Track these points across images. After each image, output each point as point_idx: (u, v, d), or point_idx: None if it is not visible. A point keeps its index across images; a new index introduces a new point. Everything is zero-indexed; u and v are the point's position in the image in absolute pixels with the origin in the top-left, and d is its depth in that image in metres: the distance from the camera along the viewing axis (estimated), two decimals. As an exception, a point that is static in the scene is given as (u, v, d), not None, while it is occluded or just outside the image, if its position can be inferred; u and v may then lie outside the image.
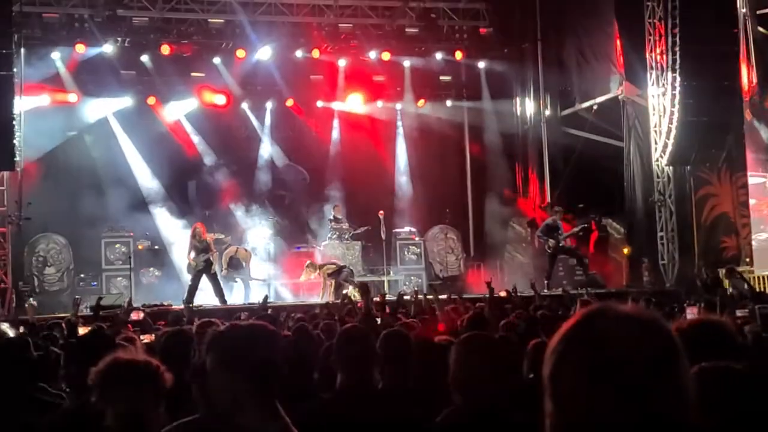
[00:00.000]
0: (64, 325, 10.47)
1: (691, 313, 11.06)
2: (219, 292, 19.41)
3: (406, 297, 14.72)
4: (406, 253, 23.32)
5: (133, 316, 13.40)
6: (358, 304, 14.07)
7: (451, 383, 4.32)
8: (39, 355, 6.73)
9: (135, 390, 3.77)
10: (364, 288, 9.06)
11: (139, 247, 21.94)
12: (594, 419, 1.85)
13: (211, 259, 19.56)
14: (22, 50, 20.62)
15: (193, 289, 19.22)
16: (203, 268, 19.40)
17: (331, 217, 22.51)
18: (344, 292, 19.45)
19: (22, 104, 20.05)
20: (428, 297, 13.40)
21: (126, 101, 22.96)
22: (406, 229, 23.74)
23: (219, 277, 20.21)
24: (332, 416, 4.70)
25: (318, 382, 6.11)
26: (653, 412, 1.85)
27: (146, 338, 8.91)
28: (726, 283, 17.71)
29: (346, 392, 4.86)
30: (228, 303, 19.05)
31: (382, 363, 5.05)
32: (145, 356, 4.11)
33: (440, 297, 13.14)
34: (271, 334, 3.41)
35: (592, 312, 1.94)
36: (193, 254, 19.53)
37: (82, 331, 9.80)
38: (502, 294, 14.12)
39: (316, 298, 19.90)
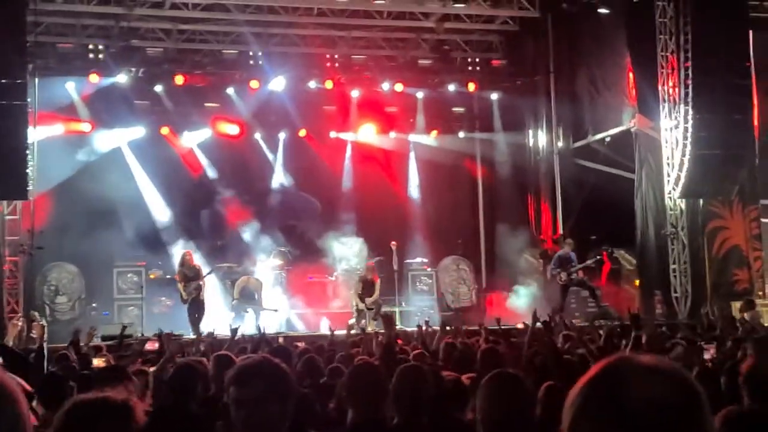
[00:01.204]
0: (68, 353, 10.43)
1: (709, 352, 10.95)
2: (196, 321, 19.36)
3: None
4: (417, 284, 23.26)
5: (149, 346, 13.38)
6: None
7: (481, 422, 4.29)
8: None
9: None
10: (387, 320, 8.97)
11: (151, 276, 21.96)
12: None
13: (200, 285, 19.63)
14: (37, 80, 20.75)
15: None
16: (195, 296, 19.49)
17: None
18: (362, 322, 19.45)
19: (35, 134, 20.14)
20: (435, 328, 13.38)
21: (139, 131, 23.09)
22: (418, 259, 23.70)
23: (233, 305, 20.31)
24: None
25: (331, 417, 6.07)
26: None
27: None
28: (744, 315, 17.55)
29: (356, 429, 4.81)
30: (226, 333, 18.99)
31: (396, 399, 4.99)
32: (117, 394, 3.44)
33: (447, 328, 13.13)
34: (287, 371, 3.41)
35: (611, 364, 1.90)
36: (183, 283, 19.65)
37: (96, 361, 9.81)
38: (519, 326, 14.08)
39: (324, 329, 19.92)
